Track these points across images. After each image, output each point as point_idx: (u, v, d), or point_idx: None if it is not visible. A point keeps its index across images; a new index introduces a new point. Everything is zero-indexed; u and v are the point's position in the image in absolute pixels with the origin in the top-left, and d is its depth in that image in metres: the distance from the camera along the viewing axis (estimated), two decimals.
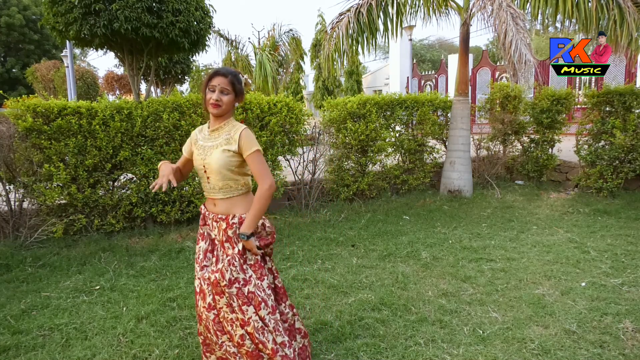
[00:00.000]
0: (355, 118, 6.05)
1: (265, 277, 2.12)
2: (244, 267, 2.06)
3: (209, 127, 2.14)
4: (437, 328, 2.75)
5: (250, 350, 2.02)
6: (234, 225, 2.06)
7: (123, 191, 4.84)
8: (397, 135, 6.56)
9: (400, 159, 6.68)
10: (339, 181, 6.06)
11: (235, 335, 2.03)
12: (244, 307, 2.01)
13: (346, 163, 6.14)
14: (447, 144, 6.86)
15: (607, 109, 6.38)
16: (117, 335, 2.71)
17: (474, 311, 2.97)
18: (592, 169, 6.41)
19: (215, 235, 2.13)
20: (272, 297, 2.12)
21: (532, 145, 7.28)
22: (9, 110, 4.52)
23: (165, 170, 2.08)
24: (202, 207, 2.23)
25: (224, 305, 2.03)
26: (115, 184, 4.87)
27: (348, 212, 5.70)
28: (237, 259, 2.04)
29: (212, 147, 2.06)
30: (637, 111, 6.13)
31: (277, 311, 2.13)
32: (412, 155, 6.63)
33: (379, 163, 6.31)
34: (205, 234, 2.18)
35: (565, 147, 7.25)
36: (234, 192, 2.09)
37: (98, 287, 3.51)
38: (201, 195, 4.98)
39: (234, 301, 2.02)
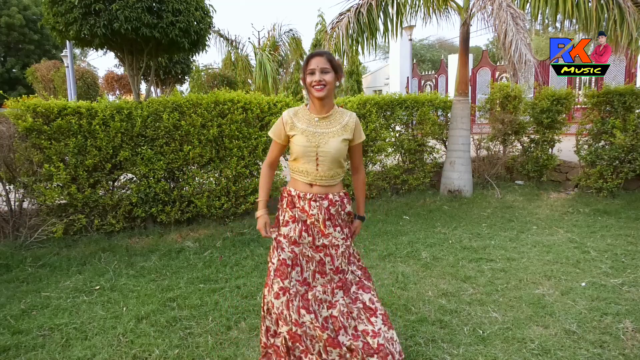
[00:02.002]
0: None
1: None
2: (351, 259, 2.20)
3: (311, 111, 2.10)
4: (437, 328, 2.75)
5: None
6: (337, 203, 2.13)
7: (123, 191, 4.84)
8: (397, 135, 6.56)
9: (400, 159, 6.68)
10: None
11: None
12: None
13: (346, 163, 6.13)
14: (447, 144, 6.86)
15: (607, 109, 6.38)
16: (117, 335, 2.71)
17: (474, 311, 2.97)
18: (592, 169, 6.41)
19: (314, 215, 2.09)
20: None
21: (532, 145, 7.27)
22: (9, 110, 4.52)
23: (262, 226, 2.19)
24: (289, 189, 2.16)
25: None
26: (115, 184, 4.87)
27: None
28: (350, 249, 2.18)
29: (328, 134, 2.06)
30: (637, 111, 6.13)
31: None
32: (412, 155, 6.63)
33: (379, 163, 6.31)
34: (297, 216, 2.12)
35: (565, 147, 7.25)
36: (338, 179, 2.15)
37: (98, 287, 3.51)
38: (201, 195, 4.98)
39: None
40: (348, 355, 2.02)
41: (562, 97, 6.92)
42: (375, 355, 2.01)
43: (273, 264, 2.09)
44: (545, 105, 6.88)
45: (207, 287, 3.43)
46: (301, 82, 2.11)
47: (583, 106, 6.99)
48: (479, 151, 7.52)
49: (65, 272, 3.83)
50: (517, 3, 6.05)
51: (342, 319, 2.05)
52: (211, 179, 5.08)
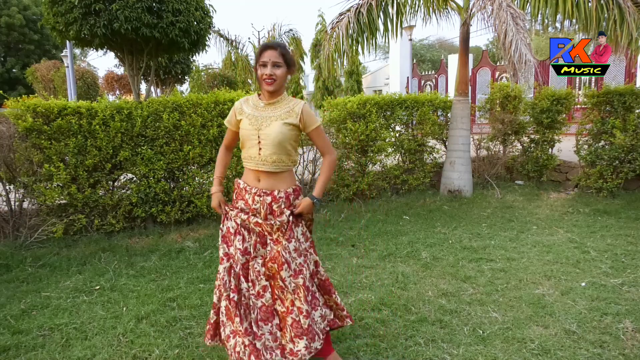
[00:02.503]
0: (355, 118, 6.05)
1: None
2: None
3: (260, 99, 2.15)
4: (437, 328, 2.75)
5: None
6: (280, 200, 2.11)
7: (123, 191, 4.84)
8: (397, 135, 6.56)
9: (400, 159, 6.68)
10: (339, 181, 6.06)
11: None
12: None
13: (346, 163, 6.14)
14: (447, 144, 6.86)
15: (607, 109, 6.38)
16: (117, 335, 2.71)
17: (474, 311, 2.97)
18: (592, 169, 6.41)
19: (255, 210, 2.13)
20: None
21: (532, 145, 7.27)
22: (9, 110, 4.52)
23: (216, 204, 2.26)
24: (240, 181, 2.22)
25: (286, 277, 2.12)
26: (115, 184, 4.87)
27: (348, 212, 5.70)
28: (296, 231, 2.15)
29: (270, 118, 2.09)
30: (637, 111, 6.13)
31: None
32: (412, 155, 6.63)
33: (379, 163, 6.31)
34: (240, 208, 2.18)
35: (565, 147, 7.25)
36: (284, 167, 2.13)
37: (98, 287, 3.51)
38: (201, 195, 4.98)
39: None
40: (279, 333, 2.12)
41: (562, 97, 6.92)
42: (305, 337, 2.08)
43: (222, 230, 2.21)
44: (545, 105, 6.88)
45: (207, 287, 3.43)
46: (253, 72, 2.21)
47: (583, 106, 6.99)
48: (479, 151, 7.52)
49: (65, 272, 3.83)
50: (517, 3, 6.05)
51: (277, 291, 2.13)
52: (211, 179, 5.08)
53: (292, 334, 2.10)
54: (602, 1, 5.42)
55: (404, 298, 3.17)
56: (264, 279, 2.14)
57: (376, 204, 6.04)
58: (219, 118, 4.96)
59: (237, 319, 2.08)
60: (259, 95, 2.20)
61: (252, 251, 2.14)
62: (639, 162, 6.05)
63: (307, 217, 2.24)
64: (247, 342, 2.05)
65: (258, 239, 2.15)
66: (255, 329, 2.10)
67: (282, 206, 2.11)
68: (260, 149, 2.08)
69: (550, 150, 7.20)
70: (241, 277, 2.12)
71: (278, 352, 2.10)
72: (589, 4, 5.42)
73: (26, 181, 4.35)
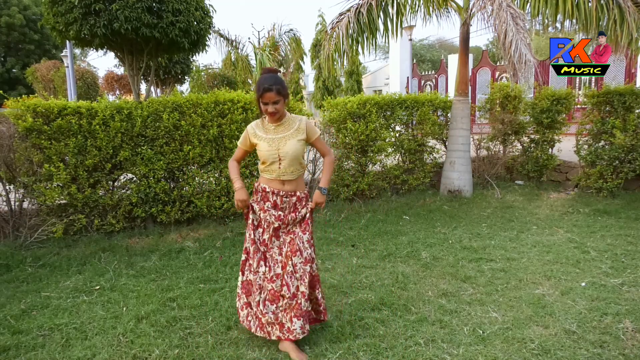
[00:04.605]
0: (355, 118, 6.05)
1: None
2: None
3: (268, 122, 2.54)
4: (437, 328, 2.75)
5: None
6: (302, 199, 2.60)
7: (123, 191, 4.84)
8: (397, 135, 6.56)
9: (400, 159, 6.68)
10: (339, 181, 6.06)
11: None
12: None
13: (346, 163, 6.14)
14: (447, 144, 6.86)
15: (607, 109, 6.38)
16: (117, 335, 2.71)
17: (474, 311, 2.97)
18: (592, 169, 6.41)
19: (282, 207, 2.57)
20: None
21: (532, 145, 7.27)
22: (9, 110, 4.52)
23: (247, 196, 2.57)
24: (264, 186, 2.58)
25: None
26: (115, 184, 4.87)
27: (348, 212, 5.70)
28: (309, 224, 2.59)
29: (285, 138, 2.51)
30: (637, 111, 6.13)
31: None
32: (412, 155, 6.62)
33: (379, 163, 6.31)
34: (271, 222, 2.56)
35: (565, 147, 7.25)
36: (300, 172, 2.59)
37: (98, 287, 3.51)
38: (201, 195, 4.98)
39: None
40: (280, 314, 2.48)
41: (562, 97, 6.92)
42: (302, 318, 2.44)
43: (249, 219, 2.63)
44: (545, 105, 6.88)
45: (207, 287, 3.43)
46: (255, 101, 2.59)
47: (583, 106, 7.00)
48: (479, 151, 7.52)
49: (65, 272, 3.83)
50: (517, 3, 6.05)
51: (287, 277, 2.48)
52: (211, 179, 5.08)
53: (293, 314, 2.45)
54: (602, 1, 5.42)
55: (404, 298, 3.17)
56: (279, 267, 2.53)
57: (376, 204, 6.04)
58: (219, 118, 4.96)
59: (251, 296, 2.57)
60: (264, 118, 2.58)
61: (269, 243, 2.59)
62: (639, 162, 6.05)
63: (320, 206, 2.64)
64: (257, 316, 2.53)
65: (273, 234, 2.57)
66: (261, 307, 2.51)
67: (303, 203, 2.59)
68: (280, 163, 2.51)
69: (550, 150, 7.20)
70: (261, 261, 2.57)
71: (277, 327, 2.48)
72: (589, 4, 5.41)
73: (26, 181, 4.35)
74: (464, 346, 2.54)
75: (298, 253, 2.49)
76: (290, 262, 2.49)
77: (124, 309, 3.09)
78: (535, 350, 2.48)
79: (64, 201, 4.54)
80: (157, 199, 4.84)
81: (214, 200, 5.04)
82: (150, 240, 4.62)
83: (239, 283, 2.65)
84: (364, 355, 2.47)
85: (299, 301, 2.46)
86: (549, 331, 2.68)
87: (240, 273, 2.66)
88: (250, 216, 2.62)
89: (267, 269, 2.55)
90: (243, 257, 2.65)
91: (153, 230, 4.89)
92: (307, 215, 2.58)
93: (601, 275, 3.54)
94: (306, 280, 2.48)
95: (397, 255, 4.13)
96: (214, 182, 5.09)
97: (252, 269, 2.58)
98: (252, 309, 2.58)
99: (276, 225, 2.56)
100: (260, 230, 2.61)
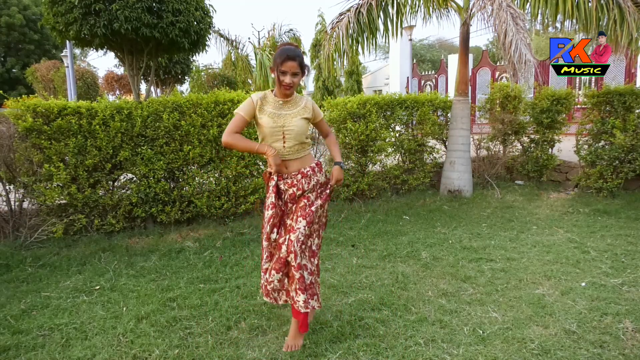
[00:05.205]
0: (355, 118, 6.05)
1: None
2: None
3: (275, 96, 2.44)
4: (437, 328, 2.75)
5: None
6: (309, 173, 2.51)
7: (123, 191, 4.84)
8: (397, 135, 6.56)
9: (400, 159, 6.68)
10: None
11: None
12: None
13: (346, 163, 6.14)
14: (447, 144, 6.86)
15: (607, 109, 6.38)
16: (117, 335, 2.71)
17: (474, 311, 2.97)
18: (592, 169, 6.41)
19: (293, 191, 2.49)
20: None
21: (532, 145, 7.27)
22: (9, 110, 4.52)
23: (277, 159, 2.41)
24: (273, 176, 2.47)
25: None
26: (115, 184, 4.87)
27: (348, 212, 5.70)
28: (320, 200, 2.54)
29: (291, 115, 2.43)
30: (637, 111, 6.13)
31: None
32: (412, 155, 6.62)
33: (379, 163, 6.31)
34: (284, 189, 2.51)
35: (565, 147, 7.25)
36: (306, 151, 2.53)
37: (98, 287, 3.51)
38: (201, 195, 4.98)
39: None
40: (286, 280, 2.46)
41: (562, 97, 6.92)
42: (305, 292, 2.40)
43: (269, 186, 2.52)
44: (545, 105, 6.88)
45: (207, 287, 3.43)
46: (269, 71, 2.39)
47: (583, 106, 6.99)
48: (479, 151, 7.52)
49: (65, 272, 3.83)
50: (517, 3, 6.05)
51: (296, 245, 2.38)
52: (211, 179, 5.08)
53: (297, 286, 2.40)
54: (602, 1, 5.42)
55: (404, 298, 3.17)
56: (291, 235, 2.44)
57: (376, 204, 6.04)
58: (219, 118, 4.96)
59: (264, 262, 2.52)
60: (272, 90, 2.47)
61: (284, 208, 2.53)
62: (639, 162, 6.05)
63: (340, 183, 2.63)
64: (264, 283, 2.51)
65: (288, 199, 2.53)
66: (268, 275, 2.48)
67: (312, 176, 2.51)
68: (284, 141, 2.42)
69: (550, 150, 7.20)
70: (275, 227, 2.49)
71: (284, 294, 2.50)
72: (589, 4, 5.42)
73: (26, 181, 4.35)
74: (464, 346, 2.54)
75: (307, 217, 2.44)
76: (297, 227, 2.42)
77: (124, 309, 3.09)
78: (535, 350, 2.48)
79: (64, 201, 4.54)
80: (157, 199, 4.84)
81: (214, 200, 5.04)
82: (150, 240, 4.62)
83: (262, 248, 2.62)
84: (364, 355, 2.47)
85: (303, 274, 2.40)
86: (549, 331, 2.68)
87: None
88: (271, 183, 2.51)
89: (277, 235, 2.50)
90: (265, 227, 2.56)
91: (153, 230, 4.89)
92: (328, 192, 2.57)
93: (601, 275, 3.54)
94: (307, 254, 2.45)
95: (397, 255, 4.13)
96: (214, 182, 5.09)
97: (265, 235, 2.52)
98: (264, 274, 2.54)
99: (290, 192, 2.50)
100: (276, 196, 2.52)
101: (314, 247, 2.53)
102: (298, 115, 2.44)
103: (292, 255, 2.40)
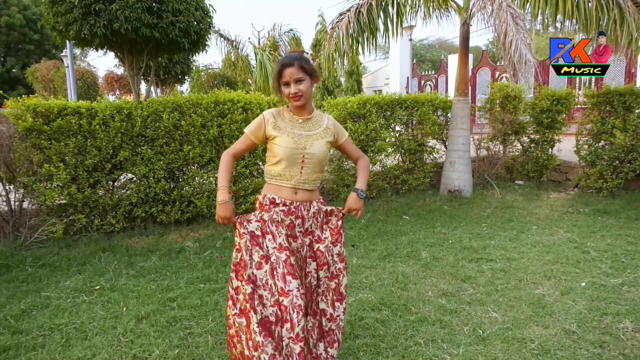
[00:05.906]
0: (355, 118, 6.05)
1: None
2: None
3: (292, 114, 2.06)
4: (437, 328, 2.75)
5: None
6: (322, 210, 2.11)
7: (123, 191, 4.84)
8: (397, 135, 6.56)
9: (400, 159, 6.68)
10: (339, 181, 6.06)
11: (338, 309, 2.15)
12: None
13: (346, 163, 6.14)
14: (447, 144, 6.86)
15: (607, 109, 6.38)
16: (117, 335, 2.71)
17: (474, 311, 2.97)
18: (592, 169, 6.41)
19: (296, 221, 2.04)
20: None
21: (532, 145, 7.27)
22: (9, 110, 4.52)
23: (230, 213, 1.96)
24: (274, 196, 2.03)
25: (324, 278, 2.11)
26: (115, 184, 4.87)
27: None
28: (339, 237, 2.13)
29: (313, 137, 2.04)
30: (637, 111, 6.13)
31: None
32: (412, 155, 6.62)
33: (379, 163, 6.31)
34: (280, 219, 2.00)
35: (565, 147, 7.25)
36: (319, 183, 2.13)
37: (98, 287, 3.51)
38: (201, 195, 4.98)
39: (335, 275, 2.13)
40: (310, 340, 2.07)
41: (562, 97, 6.92)
42: (323, 340, 2.14)
43: (246, 234, 1.94)
44: (545, 105, 6.88)
45: (207, 287, 3.43)
46: (273, 89, 2.09)
47: (583, 106, 6.99)
48: (479, 151, 7.52)
49: (65, 272, 3.83)
50: (517, 3, 6.05)
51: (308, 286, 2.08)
52: (211, 179, 5.08)
53: (317, 336, 2.12)
54: (602, 1, 5.42)
55: (404, 298, 3.17)
56: (312, 263, 2.08)
57: (376, 204, 6.04)
58: (219, 118, 4.96)
59: (288, 324, 1.85)
60: (287, 107, 2.10)
61: (287, 245, 1.97)
62: (639, 162, 6.05)
63: (356, 213, 2.16)
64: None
65: (288, 232, 2.01)
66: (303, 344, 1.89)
67: (319, 216, 2.10)
68: (302, 167, 2.02)
69: (550, 150, 7.20)
70: (287, 276, 1.88)
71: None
72: (589, 4, 5.42)
73: (26, 181, 4.35)
74: (464, 346, 2.54)
75: (325, 267, 2.08)
76: (314, 275, 2.07)
77: (124, 309, 3.09)
78: (535, 350, 2.48)
79: (64, 201, 4.54)
80: (157, 199, 4.84)
81: (214, 200, 5.04)
82: (150, 240, 4.62)
83: (253, 326, 1.84)
84: (364, 355, 2.47)
85: (320, 320, 2.12)
86: (549, 331, 2.68)
87: (244, 317, 1.90)
88: (244, 228, 1.95)
89: (299, 281, 1.91)
90: (247, 289, 1.89)
91: (153, 230, 4.89)
92: (340, 223, 2.12)
93: (601, 275, 3.54)
94: (329, 297, 2.12)
95: (397, 255, 4.13)
96: (214, 182, 5.08)
97: (278, 291, 1.88)
98: (295, 342, 1.85)
99: (287, 222, 2.02)
100: (269, 235, 1.97)
101: (341, 289, 2.17)
102: (320, 137, 2.05)
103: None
